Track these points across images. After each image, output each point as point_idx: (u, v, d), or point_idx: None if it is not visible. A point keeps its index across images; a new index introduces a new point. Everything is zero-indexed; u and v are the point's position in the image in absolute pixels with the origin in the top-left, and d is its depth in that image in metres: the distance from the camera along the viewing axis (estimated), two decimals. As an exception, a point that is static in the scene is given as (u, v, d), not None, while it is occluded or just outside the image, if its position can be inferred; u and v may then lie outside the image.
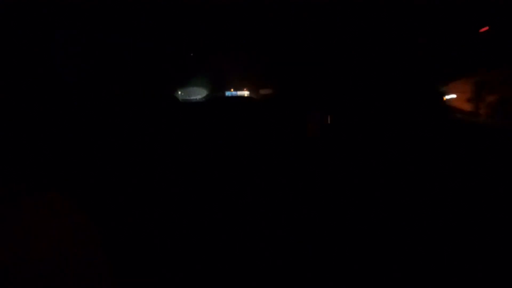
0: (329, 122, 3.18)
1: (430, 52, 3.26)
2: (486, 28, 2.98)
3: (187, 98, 3.75)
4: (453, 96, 3.18)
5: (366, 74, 3.35)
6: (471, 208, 2.26)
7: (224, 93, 3.73)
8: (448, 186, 2.50)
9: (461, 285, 1.76)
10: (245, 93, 3.68)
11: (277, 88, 3.67)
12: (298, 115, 3.36)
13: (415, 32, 3.23)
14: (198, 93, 3.76)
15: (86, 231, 0.76)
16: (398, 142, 2.97)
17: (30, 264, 0.62)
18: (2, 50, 2.94)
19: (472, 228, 2.09)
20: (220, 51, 3.67)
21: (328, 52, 3.48)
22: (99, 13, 3.38)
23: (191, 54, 3.63)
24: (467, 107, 3.13)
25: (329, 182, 2.74)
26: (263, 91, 3.72)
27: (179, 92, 3.74)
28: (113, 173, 2.79)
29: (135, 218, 2.30)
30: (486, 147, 2.73)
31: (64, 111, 3.24)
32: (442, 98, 3.22)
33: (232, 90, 3.70)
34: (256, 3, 3.34)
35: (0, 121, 2.73)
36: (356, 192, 2.60)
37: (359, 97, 3.27)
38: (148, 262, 1.92)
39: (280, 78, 3.67)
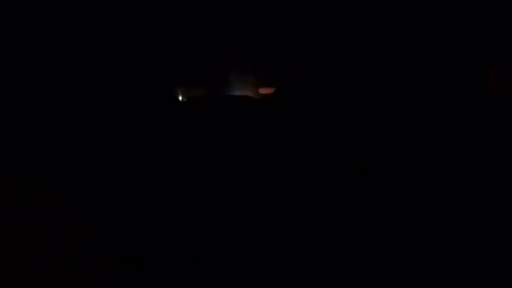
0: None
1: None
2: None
3: (187, 98, 3.74)
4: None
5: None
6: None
7: (224, 93, 3.72)
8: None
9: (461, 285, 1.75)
10: (245, 93, 3.67)
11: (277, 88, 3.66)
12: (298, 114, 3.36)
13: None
14: (198, 93, 3.75)
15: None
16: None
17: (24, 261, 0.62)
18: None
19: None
20: (220, 51, 3.66)
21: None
22: (98, 13, 3.38)
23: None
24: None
25: (330, 180, 2.73)
26: (263, 91, 3.71)
27: (179, 92, 3.73)
28: (114, 172, 2.79)
29: (135, 217, 2.30)
30: None
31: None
32: None
33: (233, 92, 3.70)
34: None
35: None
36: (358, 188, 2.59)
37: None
38: (148, 261, 1.92)
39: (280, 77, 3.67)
